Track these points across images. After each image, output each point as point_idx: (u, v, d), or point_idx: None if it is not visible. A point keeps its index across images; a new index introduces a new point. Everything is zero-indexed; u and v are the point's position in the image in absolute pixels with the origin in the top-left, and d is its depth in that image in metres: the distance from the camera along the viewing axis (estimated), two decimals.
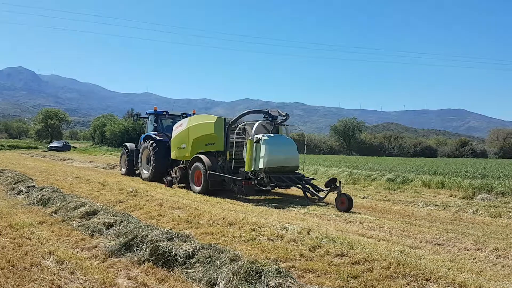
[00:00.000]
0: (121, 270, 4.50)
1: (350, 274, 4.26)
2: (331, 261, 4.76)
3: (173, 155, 13.40)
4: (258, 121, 11.38)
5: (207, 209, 8.15)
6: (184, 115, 15.63)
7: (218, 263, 4.15)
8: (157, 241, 4.89)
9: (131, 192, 10.08)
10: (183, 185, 12.82)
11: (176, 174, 12.88)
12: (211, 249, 4.55)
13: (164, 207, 8.25)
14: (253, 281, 3.69)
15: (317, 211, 8.70)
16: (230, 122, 11.45)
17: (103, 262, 4.75)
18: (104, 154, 36.54)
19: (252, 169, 10.48)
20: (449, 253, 5.48)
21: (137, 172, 16.28)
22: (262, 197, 11.10)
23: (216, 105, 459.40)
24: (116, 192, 10.33)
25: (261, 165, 10.37)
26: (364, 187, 14.41)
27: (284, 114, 11.73)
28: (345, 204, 9.12)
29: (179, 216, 7.29)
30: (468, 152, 74.39)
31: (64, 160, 26.43)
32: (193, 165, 11.80)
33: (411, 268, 4.40)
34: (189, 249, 4.60)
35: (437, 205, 10.07)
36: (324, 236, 5.78)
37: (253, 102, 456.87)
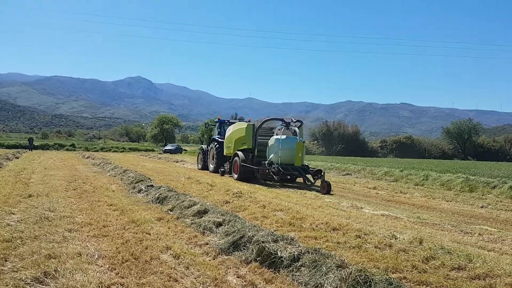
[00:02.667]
0: (230, 268, 4.71)
1: None
2: (447, 275, 4.41)
3: (225, 152, 17.69)
4: (282, 126, 15.54)
5: (309, 212, 8.12)
6: (233, 122, 19.55)
7: (324, 268, 4.10)
8: (263, 242, 5.01)
9: (236, 193, 10.48)
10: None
11: (227, 167, 17.26)
12: (316, 253, 4.52)
13: (267, 209, 8.42)
14: None
15: (429, 220, 8.10)
16: (257, 127, 15.85)
17: (214, 259, 5.02)
18: None
19: (270, 162, 14.55)
20: None
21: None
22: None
23: (316, 108, 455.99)
24: (223, 192, 10.85)
25: (275, 161, 14.38)
26: (482, 195, 13.05)
27: (296, 120, 15.88)
28: (325, 188, 12.38)
29: (281, 218, 7.39)
30: None
31: (176, 162, 28.58)
32: (234, 159, 15.94)
33: None
34: (294, 252, 4.63)
35: None
36: (439, 248, 5.36)
37: (355, 104, 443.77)
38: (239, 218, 6.77)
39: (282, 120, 15.94)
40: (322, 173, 13.44)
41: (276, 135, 15.28)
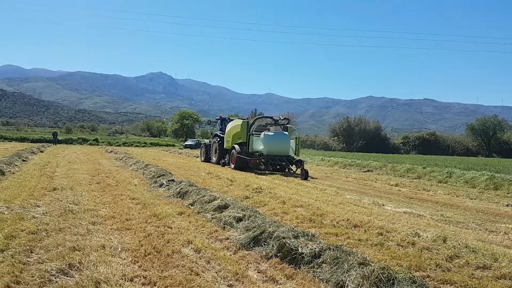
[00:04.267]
0: (251, 263, 4.72)
1: None
2: (472, 274, 4.32)
3: (225, 146, 19.97)
4: (272, 123, 18.63)
5: (329, 209, 8.06)
6: (232, 119, 21.93)
7: (346, 265, 4.07)
8: (283, 238, 5.00)
9: (256, 189, 10.49)
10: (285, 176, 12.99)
11: (227, 159, 19.50)
12: (337, 250, 4.48)
13: (287, 204, 8.40)
14: None
15: (453, 218, 7.94)
16: (250, 124, 18.24)
17: (235, 254, 5.04)
18: None
19: (260, 153, 17.21)
20: None
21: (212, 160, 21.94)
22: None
23: (336, 104, 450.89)
24: (243, 188, 10.88)
25: (263, 152, 17.16)
26: (508, 193, 12.74)
27: (284, 118, 19.24)
28: (303, 175, 15.00)
29: (302, 214, 7.36)
30: None
31: (197, 157, 28.77)
32: (231, 152, 18.65)
33: None
34: (315, 248, 4.60)
35: None
36: (463, 246, 5.25)
37: (376, 99, 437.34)
38: (259, 213, 6.78)
39: (271, 118, 19.35)
40: (302, 163, 16.39)
41: (266, 131, 18.13)
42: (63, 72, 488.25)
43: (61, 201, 7.78)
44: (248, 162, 17.23)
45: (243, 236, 5.62)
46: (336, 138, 75.97)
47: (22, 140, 45.36)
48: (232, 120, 21.27)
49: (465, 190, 13.37)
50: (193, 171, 15.79)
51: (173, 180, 11.01)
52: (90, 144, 47.71)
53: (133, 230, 5.87)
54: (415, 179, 17.05)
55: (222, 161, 19.96)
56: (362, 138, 72.69)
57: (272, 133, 17.69)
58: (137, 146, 49.54)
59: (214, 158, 21.45)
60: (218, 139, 20.90)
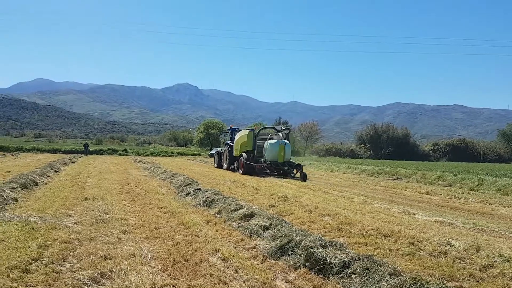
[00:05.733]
0: (278, 273, 4.69)
1: None
2: (506, 284, 4.19)
3: (234, 153, 22.02)
4: (276, 133, 21.06)
5: (358, 218, 7.93)
6: (241, 129, 23.83)
7: (376, 276, 3.98)
8: (311, 247, 4.94)
9: (282, 197, 10.46)
10: (311, 184, 12.88)
11: (236, 165, 21.62)
12: (367, 260, 4.39)
13: (313, 213, 8.33)
14: None
15: (485, 226, 7.67)
16: (256, 134, 21.04)
17: (262, 263, 5.02)
18: None
19: (264, 159, 19.83)
20: None
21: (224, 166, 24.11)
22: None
23: (362, 111, 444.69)
24: (268, 196, 10.86)
25: (268, 158, 19.64)
26: None
27: (285, 128, 21.93)
28: (302, 177, 17.43)
29: (329, 223, 7.27)
30: None
31: (212, 164, 29.02)
32: (239, 159, 20.83)
33: None
34: (344, 258, 4.53)
35: None
36: (497, 255, 5.08)
37: (404, 106, 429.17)
38: (285, 222, 6.74)
39: (274, 128, 23.06)
40: (301, 167, 18.76)
41: (269, 139, 20.50)
42: (93, 85, 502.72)
43: (92, 210, 7.97)
44: (254, 167, 19.72)
45: (270, 245, 5.59)
46: (362, 145, 74.89)
47: (54, 151, 46.75)
48: (241, 130, 23.42)
49: (497, 198, 12.90)
50: (219, 180, 15.88)
51: (199, 189, 11.10)
52: (120, 154, 48.74)
53: (162, 238, 5.95)
54: (446, 187, 16.59)
55: (232, 167, 22.19)
56: (390, 145, 71.39)
57: (275, 142, 19.90)
58: (164, 155, 50.27)
59: (225, 165, 23.84)
60: (228, 148, 23.32)
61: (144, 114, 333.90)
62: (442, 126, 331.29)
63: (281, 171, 19.89)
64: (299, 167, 18.96)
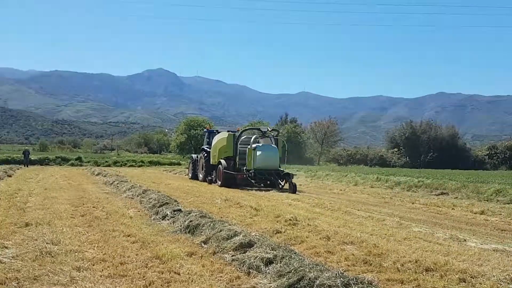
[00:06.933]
0: None
1: None
2: None
3: (211, 161, 23.82)
4: (261, 136, 22.62)
5: (390, 246, 7.95)
6: (220, 131, 25.59)
7: None
8: (329, 286, 4.95)
9: (290, 220, 10.47)
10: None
11: (214, 175, 23.25)
12: None
13: (332, 241, 8.34)
14: None
15: None
16: (237, 137, 22.62)
17: None
18: None
19: (249, 167, 21.17)
20: None
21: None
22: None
23: (394, 104, 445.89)
24: (272, 219, 10.87)
25: (252, 166, 20.99)
26: None
27: (272, 129, 23.95)
28: (291, 188, 19.64)
29: (353, 254, 7.29)
30: None
31: (186, 175, 29.07)
32: (218, 167, 22.58)
33: None
34: None
35: None
36: None
37: (450, 97, 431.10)
38: (295, 253, 6.75)
39: (259, 129, 24.11)
40: (291, 176, 20.50)
41: (253, 143, 21.51)
42: (35, 72, 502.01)
43: (36, 240, 7.94)
44: (235, 177, 21.22)
45: (274, 284, 5.60)
46: (396, 150, 75.12)
47: None
48: (220, 132, 25.15)
49: None
50: (206, 198, 15.90)
51: (179, 209, 11.11)
52: (72, 164, 48.75)
53: (130, 277, 5.94)
54: (507, 203, 16.64)
55: (209, 178, 23.99)
56: (432, 149, 71.64)
57: (261, 146, 21.55)
58: (132, 166, 50.36)
59: (200, 175, 25.67)
60: (205, 154, 25.00)
61: (105, 111, 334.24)
62: (501, 123, 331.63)
63: (268, 182, 21.66)
64: (288, 176, 20.72)
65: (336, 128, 79.13)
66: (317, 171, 34.71)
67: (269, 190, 20.03)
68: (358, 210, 13.84)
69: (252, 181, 21.14)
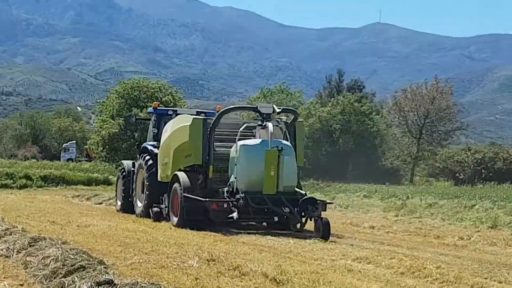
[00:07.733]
0: None
1: None
2: None
3: (160, 175, 24.78)
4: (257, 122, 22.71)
5: None
6: (180, 113, 26.57)
7: None
8: None
9: None
10: None
11: (165, 204, 23.93)
12: None
13: None
14: None
15: None
16: (211, 124, 22.19)
17: None
18: None
19: (233, 188, 21.37)
20: None
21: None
22: None
23: None
24: None
25: (240, 186, 21.06)
26: None
27: (282, 109, 22.97)
28: (319, 230, 20.01)
29: None
30: None
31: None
32: (172, 188, 23.01)
33: None
34: None
35: None
36: None
37: None
38: None
39: (255, 109, 23.64)
40: (322, 205, 20.74)
41: (241, 138, 22.06)
42: None
43: None
44: (207, 209, 21.33)
45: None
46: None
47: None
48: (180, 115, 25.66)
49: None
50: (164, 253, 15.80)
51: (111, 282, 11.12)
52: None
53: None
54: None
55: (155, 209, 25.11)
56: None
57: (258, 143, 21.74)
58: (5, 187, 50.41)
59: (139, 203, 27.17)
60: (149, 160, 26.48)
61: None
62: None
63: (275, 217, 21.12)
64: (315, 207, 20.48)
65: (450, 103, 74.62)
66: (408, 197, 34.49)
67: (279, 234, 19.88)
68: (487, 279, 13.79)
69: (237, 215, 20.69)
